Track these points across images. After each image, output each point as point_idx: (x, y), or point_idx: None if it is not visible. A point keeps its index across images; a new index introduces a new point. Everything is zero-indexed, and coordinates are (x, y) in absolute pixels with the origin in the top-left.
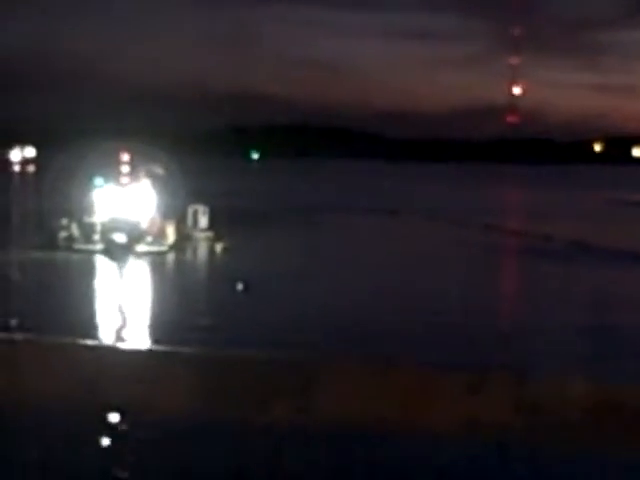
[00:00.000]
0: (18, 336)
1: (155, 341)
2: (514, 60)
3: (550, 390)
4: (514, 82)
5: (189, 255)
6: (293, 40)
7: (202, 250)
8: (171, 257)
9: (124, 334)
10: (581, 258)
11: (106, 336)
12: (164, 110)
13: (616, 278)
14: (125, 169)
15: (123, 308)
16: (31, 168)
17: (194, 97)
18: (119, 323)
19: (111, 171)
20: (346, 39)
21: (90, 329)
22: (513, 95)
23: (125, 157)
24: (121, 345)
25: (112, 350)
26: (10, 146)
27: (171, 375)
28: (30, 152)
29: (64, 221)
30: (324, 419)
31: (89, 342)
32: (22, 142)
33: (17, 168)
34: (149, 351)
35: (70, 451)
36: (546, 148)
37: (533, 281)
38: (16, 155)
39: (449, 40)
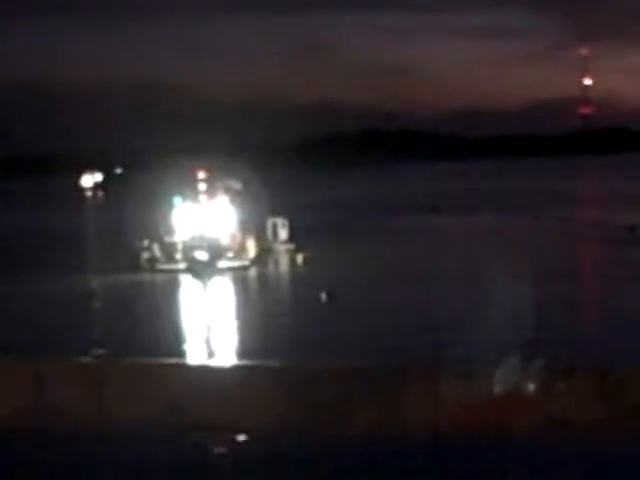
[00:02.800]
0: (108, 359)
1: (244, 356)
2: (584, 51)
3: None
4: (585, 73)
5: (271, 268)
6: (363, 46)
7: (283, 262)
8: (253, 271)
9: (218, 352)
10: None
11: (199, 355)
12: (243, 123)
13: None
14: (202, 186)
15: (212, 326)
16: (102, 192)
17: (267, 112)
18: (211, 341)
19: (189, 189)
20: (416, 42)
21: (183, 349)
22: (585, 86)
23: (202, 174)
24: (211, 363)
25: (202, 368)
26: (81, 172)
27: (261, 390)
28: (99, 177)
29: (145, 242)
30: (411, 429)
31: (179, 361)
32: (96, 166)
33: (89, 193)
34: (236, 367)
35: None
36: (622, 137)
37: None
38: (87, 181)
39: (517, 36)
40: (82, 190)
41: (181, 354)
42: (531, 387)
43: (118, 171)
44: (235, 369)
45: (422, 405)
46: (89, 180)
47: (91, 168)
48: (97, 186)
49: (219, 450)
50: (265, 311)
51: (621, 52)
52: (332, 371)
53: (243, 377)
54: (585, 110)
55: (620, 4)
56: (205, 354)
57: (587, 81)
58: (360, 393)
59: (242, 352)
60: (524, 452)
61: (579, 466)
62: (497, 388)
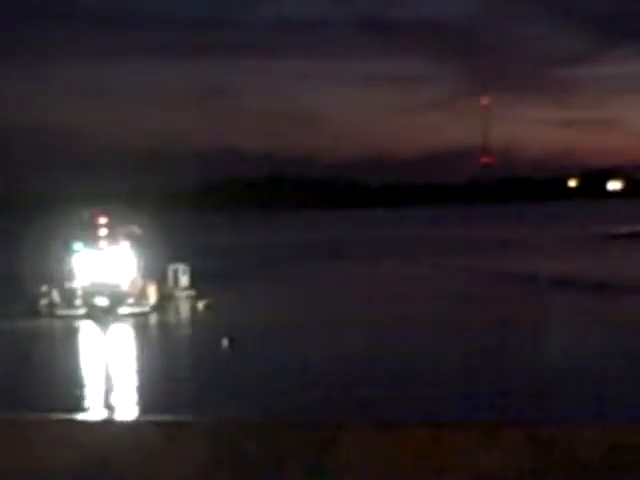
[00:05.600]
0: (14, 415)
1: (148, 410)
2: (485, 100)
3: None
4: (486, 122)
5: (172, 315)
6: (267, 92)
7: (184, 309)
8: (154, 318)
9: (116, 404)
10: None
11: (98, 407)
12: (145, 168)
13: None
14: (103, 232)
15: (110, 377)
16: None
17: (171, 156)
18: (108, 393)
19: (89, 235)
20: (314, 88)
21: (82, 401)
22: (486, 136)
23: (102, 220)
24: (121, 418)
25: (114, 424)
26: None
27: (179, 445)
28: None
29: (44, 287)
30: None
31: (92, 417)
32: None
33: None
34: (151, 422)
35: None
36: (522, 186)
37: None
38: None
39: (421, 84)
40: None
41: (84, 407)
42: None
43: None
44: (149, 424)
45: (352, 460)
46: None
47: None
48: None
49: None
50: (166, 360)
51: (522, 104)
52: (260, 426)
53: (159, 432)
54: (486, 160)
55: (522, 55)
56: (105, 408)
57: (488, 131)
58: (288, 448)
59: (143, 404)
60: None
61: None
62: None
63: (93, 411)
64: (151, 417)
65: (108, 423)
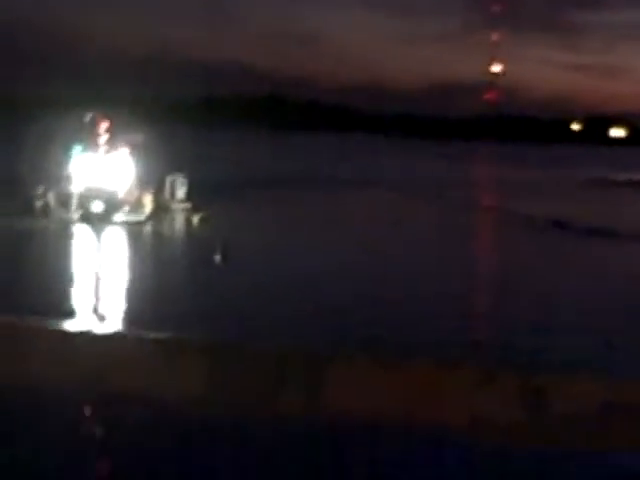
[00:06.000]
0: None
1: (135, 321)
2: (494, 37)
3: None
4: (493, 59)
5: (166, 226)
6: (270, 10)
7: (179, 221)
8: (148, 228)
9: (101, 312)
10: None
11: (83, 315)
12: (145, 77)
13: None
14: (103, 138)
15: (100, 283)
16: None
17: (172, 66)
18: (97, 300)
19: (89, 139)
20: (325, 11)
21: (67, 306)
22: (492, 72)
23: (103, 125)
24: (117, 331)
25: (110, 337)
26: None
27: (178, 363)
28: None
29: (41, 189)
30: (329, 414)
31: (88, 328)
32: None
33: None
34: (149, 339)
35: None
36: (524, 126)
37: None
38: None
39: (429, 15)
40: None
41: (69, 313)
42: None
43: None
44: (162, 342)
45: (343, 393)
46: None
47: None
48: None
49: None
50: (156, 268)
51: (531, 43)
52: (259, 349)
53: (169, 350)
54: (491, 96)
55: None
56: (90, 315)
57: (495, 67)
58: (287, 373)
59: (129, 314)
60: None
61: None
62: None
63: (83, 321)
64: (149, 333)
65: (104, 336)
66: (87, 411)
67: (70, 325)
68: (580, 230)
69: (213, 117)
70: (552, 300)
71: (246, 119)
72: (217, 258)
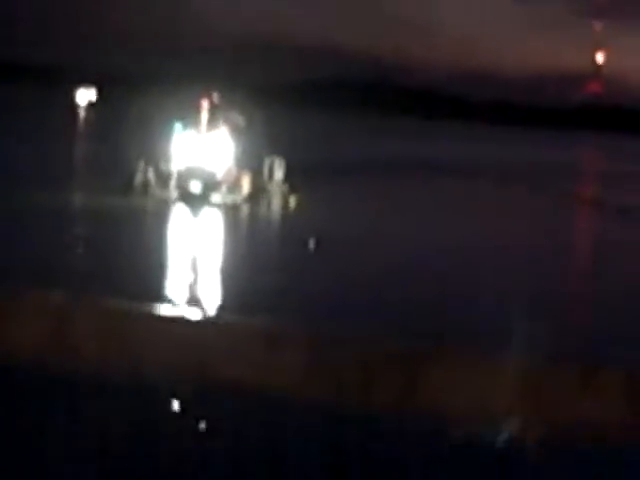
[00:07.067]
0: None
1: (226, 308)
2: (598, 26)
3: None
4: (597, 49)
5: (263, 208)
6: None
7: (276, 203)
8: (245, 209)
9: (197, 297)
10: None
11: (178, 299)
12: (245, 61)
13: None
14: (205, 116)
15: (194, 265)
16: (96, 111)
17: (278, 49)
18: (190, 283)
19: (191, 118)
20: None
21: (162, 289)
22: (596, 62)
23: (205, 104)
24: (219, 318)
25: (213, 324)
26: (75, 87)
27: (278, 352)
28: (91, 96)
29: (141, 165)
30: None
31: (192, 315)
32: (87, 84)
33: (83, 111)
34: (250, 326)
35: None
36: (628, 118)
37: None
38: (82, 97)
39: (534, 3)
40: (76, 106)
41: (162, 295)
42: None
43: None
44: (262, 330)
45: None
46: (84, 96)
47: (87, 83)
48: (92, 103)
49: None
50: (251, 253)
51: (637, 32)
52: (357, 341)
53: (270, 338)
54: (594, 87)
55: None
56: (184, 297)
57: (599, 57)
58: (382, 366)
59: (222, 298)
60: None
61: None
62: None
63: (179, 306)
64: (250, 320)
65: (208, 322)
66: (185, 398)
67: (166, 310)
68: None
69: (317, 100)
70: None
71: (347, 104)
72: (311, 244)
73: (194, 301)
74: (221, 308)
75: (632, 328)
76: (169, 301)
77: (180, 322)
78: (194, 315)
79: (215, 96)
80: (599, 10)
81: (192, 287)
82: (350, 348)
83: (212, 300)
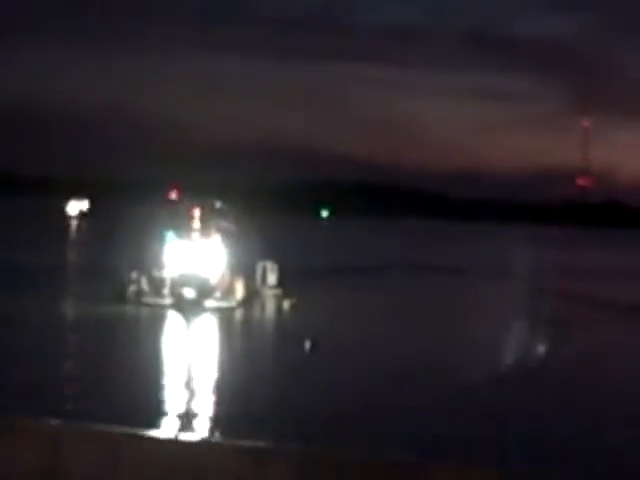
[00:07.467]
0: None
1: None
2: (586, 122)
3: None
4: (586, 144)
5: (257, 312)
6: (364, 99)
7: (270, 307)
8: (239, 313)
9: (191, 413)
10: None
11: (171, 418)
12: (234, 166)
13: None
14: (196, 224)
15: (190, 376)
16: (87, 221)
17: (266, 153)
18: (185, 397)
19: (182, 226)
20: (418, 99)
21: (156, 406)
22: (585, 157)
23: (196, 212)
24: (198, 438)
25: (188, 444)
26: (67, 198)
27: (259, 472)
28: (84, 205)
29: (134, 274)
30: None
31: (166, 434)
32: (77, 194)
33: (74, 221)
34: (232, 447)
35: None
36: (618, 212)
37: None
38: (73, 208)
39: (518, 101)
40: (68, 217)
41: (155, 411)
42: None
43: (85, 204)
44: (243, 450)
45: None
46: (75, 207)
47: (77, 194)
48: (83, 214)
49: None
50: (247, 359)
51: (623, 126)
52: (345, 460)
53: (249, 458)
54: (583, 182)
55: (627, 78)
56: (179, 413)
57: (587, 153)
58: None
59: (217, 412)
60: None
61: None
62: None
63: (167, 422)
64: (232, 441)
65: (182, 443)
66: None
67: (158, 432)
68: None
69: (306, 204)
70: None
71: (340, 205)
72: (307, 346)
73: (189, 417)
74: (216, 424)
75: None
76: (162, 419)
77: (172, 444)
78: (186, 436)
79: (207, 204)
80: (585, 107)
81: (186, 402)
82: (338, 469)
83: (208, 416)
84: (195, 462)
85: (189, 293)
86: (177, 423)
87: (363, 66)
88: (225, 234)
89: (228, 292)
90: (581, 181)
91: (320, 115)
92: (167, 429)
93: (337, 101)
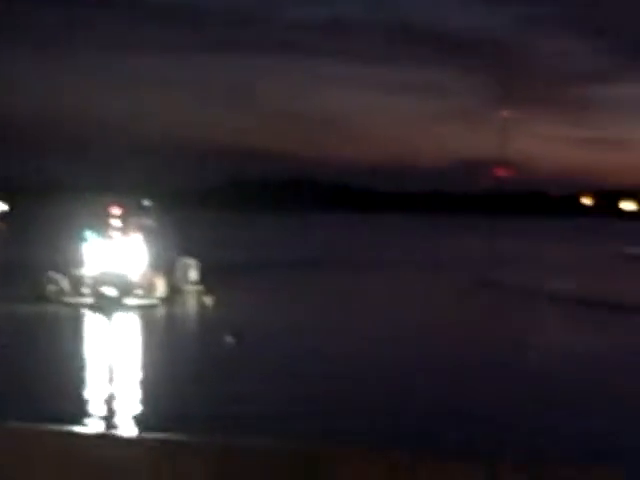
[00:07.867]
0: (13, 424)
1: (147, 412)
2: (505, 113)
3: None
4: (504, 136)
5: (179, 309)
6: (286, 93)
7: (191, 303)
8: (161, 311)
9: (112, 411)
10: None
11: (91, 414)
12: (156, 165)
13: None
14: (116, 222)
15: (112, 373)
16: (6, 222)
17: (189, 152)
18: (106, 394)
19: (101, 224)
20: (342, 92)
21: (80, 401)
22: (503, 148)
23: (116, 210)
24: (122, 433)
25: (115, 439)
26: None
27: (179, 464)
28: (3, 206)
29: (53, 273)
30: None
31: (91, 430)
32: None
33: None
34: (153, 440)
35: None
36: (536, 201)
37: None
38: None
39: (440, 94)
40: None
41: (76, 409)
42: None
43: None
44: (165, 442)
45: None
46: None
47: None
48: (3, 215)
49: None
50: (169, 355)
51: (541, 119)
52: (261, 451)
53: (171, 451)
54: (502, 172)
55: (545, 72)
56: (100, 409)
57: (505, 144)
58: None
59: (139, 408)
60: None
61: None
62: None
63: (92, 419)
64: (154, 434)
65: (109, 437)
66: None
67: (74, 427)
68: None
69: (232, 201)
70: None
71: (269, 202)
72: (229, 340)
73: (111, 414)
74: (138, 420)
75: None
76: (80, 417)
77: (97, 439)
78: (109, 432)
79: (129, 202)
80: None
81: (107, 400)
82: (259, 460)
83: (130, 412)
84: (119, 457)
85: (110, 291)
86: (100, 420)
87: (285, 60)
88: (146, 232)
89: (149, 290)
90: (500, 171)
91: (244, 111)
92: (91, 426)
93: (258, 96)
